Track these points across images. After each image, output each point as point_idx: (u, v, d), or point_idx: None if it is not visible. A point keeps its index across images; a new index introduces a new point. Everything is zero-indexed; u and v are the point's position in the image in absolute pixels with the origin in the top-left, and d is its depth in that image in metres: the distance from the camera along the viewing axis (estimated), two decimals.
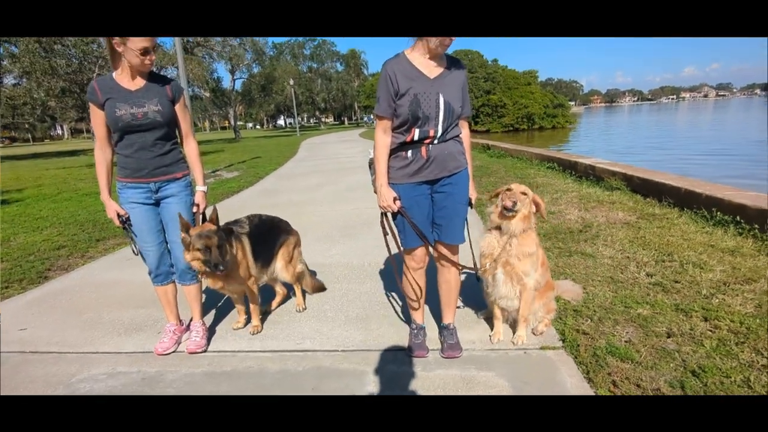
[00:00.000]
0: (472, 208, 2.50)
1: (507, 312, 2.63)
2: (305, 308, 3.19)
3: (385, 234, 2.41)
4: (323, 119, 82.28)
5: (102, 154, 2.48)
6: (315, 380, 2.31)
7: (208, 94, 39.42)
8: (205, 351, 2.69)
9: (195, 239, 2.44)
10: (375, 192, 2.37)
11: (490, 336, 2.62)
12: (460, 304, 2.96)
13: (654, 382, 2.09)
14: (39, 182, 12.59)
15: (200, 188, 2.67)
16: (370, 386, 2.24)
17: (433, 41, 2.08)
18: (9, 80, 22.47)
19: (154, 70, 2.50)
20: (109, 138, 2.46)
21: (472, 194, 2.46)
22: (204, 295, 3.08)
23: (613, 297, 2.94)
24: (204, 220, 2.66)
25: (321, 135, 36.73)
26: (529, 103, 39.67)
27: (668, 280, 3.12)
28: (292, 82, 46.20)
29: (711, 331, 2.46)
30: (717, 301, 2.77)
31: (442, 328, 2.57)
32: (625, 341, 2.43)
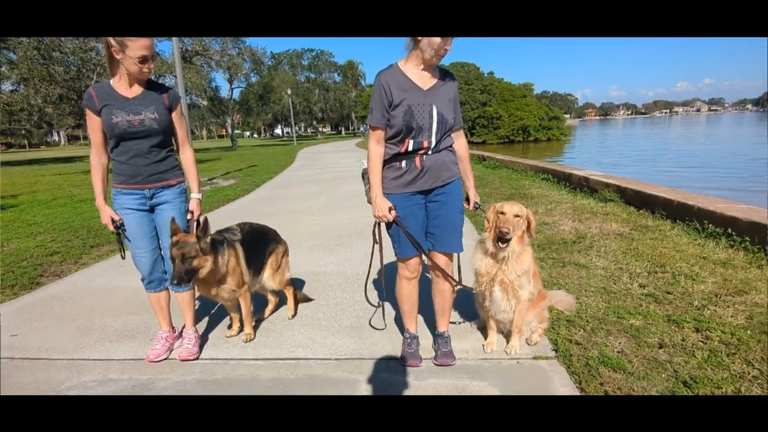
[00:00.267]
0: (477, 209, 2.56)
1: (502, 323, 2.63)
2: (295, 314, 3.19)
3: (375, 243, 2.42)
4: (320, 129, 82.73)
5: (98, 160, 2.48)
6: (308, 388, 2.30)
7: (205, 103, 39.55)
8: (197, 358, 2.67)
9: (171, 247, 2.45)
10: (368, 202, 2.38)
11: (483, 345, 2.62)
12: (460, 319, 2.98)
13: (646, 393, 2.10)
14: (34, 188, 12.53)
15: (195, 196, 2.68)
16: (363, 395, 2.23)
17: (428, 52, 2.09)
18: (6, 86, 22.43)
19: (153, 78, 2.52)
20: (105, 144, 2.47)
21: (475, 198, 2.52)
22: (197, 303, 3.07)
23: (605, 307, 2.95)
24: (198, 227, 2.66)
25: (318, 144, 36.90)
26: (524, 116, 40.05)
27: (661, 291, 3.14)
28: (289, 91, 46.60)
29: (702, 342, 2.48)
30: (709, 312, 2.79)
31: (437, 336, 2.57)
32: (618, 351, 2.44)
